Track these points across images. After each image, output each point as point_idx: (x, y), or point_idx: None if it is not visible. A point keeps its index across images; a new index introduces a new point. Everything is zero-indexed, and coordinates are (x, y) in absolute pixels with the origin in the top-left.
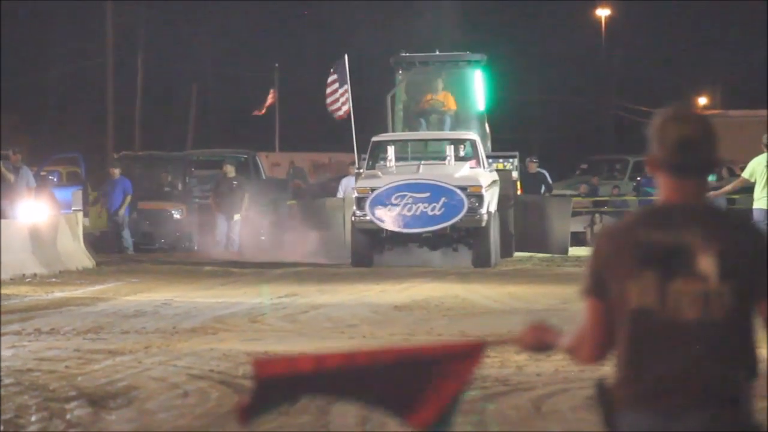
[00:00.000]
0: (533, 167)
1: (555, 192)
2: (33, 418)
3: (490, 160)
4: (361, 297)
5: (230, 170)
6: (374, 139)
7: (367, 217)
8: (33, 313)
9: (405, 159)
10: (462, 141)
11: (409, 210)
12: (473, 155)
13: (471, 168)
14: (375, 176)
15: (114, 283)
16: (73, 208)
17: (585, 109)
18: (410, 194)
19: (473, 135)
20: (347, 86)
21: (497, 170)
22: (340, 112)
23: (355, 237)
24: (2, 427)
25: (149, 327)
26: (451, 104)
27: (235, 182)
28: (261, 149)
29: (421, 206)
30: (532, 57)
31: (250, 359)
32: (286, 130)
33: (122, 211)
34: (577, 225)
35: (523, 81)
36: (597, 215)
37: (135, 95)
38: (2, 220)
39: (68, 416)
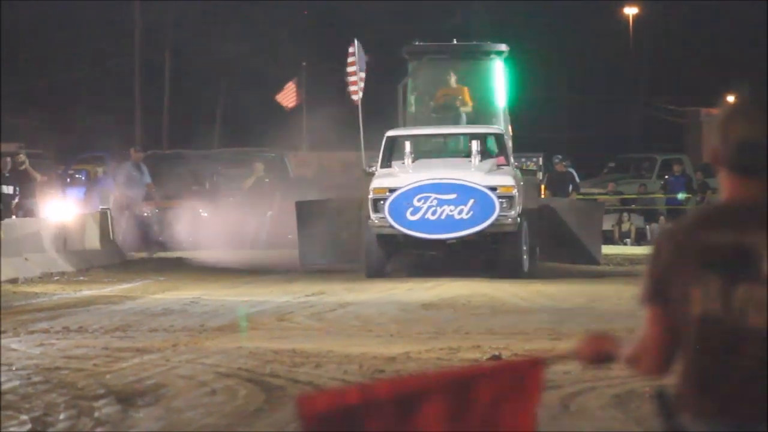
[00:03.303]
0: (561, 167)
1: (583, 191)
2: (61, 416)
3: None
4: (388, 295)
5: (260, 168)
6: (389, 133)
7: (386, 221)
8: (61, 312)
9: (420, 157)
10: (486, 136)
11: (434, 213)
12: (499, 152)
13: (498, 166)
14: (393, 175)
15: (142, 282)
16: (101, 207)
17: (613, 107)
18: (435, 195)
19: (499, 129)
20: (363, 74)
21: (521, 170)
22: (356, 97)
23: (370, 243)
24: (31, 425)
25: (177, 325)
26: (468, 99)
27: (266, 180)
28: (289, 148)
29: (447, 209)
30: (560, 54)
31: (276, 358)
32: (314, 129)
33: None
34: (605, 223)
35: (549, 78)
36: (625, 213)
37: (163, 94)
38: (30, 219)
39: (96, 414)
